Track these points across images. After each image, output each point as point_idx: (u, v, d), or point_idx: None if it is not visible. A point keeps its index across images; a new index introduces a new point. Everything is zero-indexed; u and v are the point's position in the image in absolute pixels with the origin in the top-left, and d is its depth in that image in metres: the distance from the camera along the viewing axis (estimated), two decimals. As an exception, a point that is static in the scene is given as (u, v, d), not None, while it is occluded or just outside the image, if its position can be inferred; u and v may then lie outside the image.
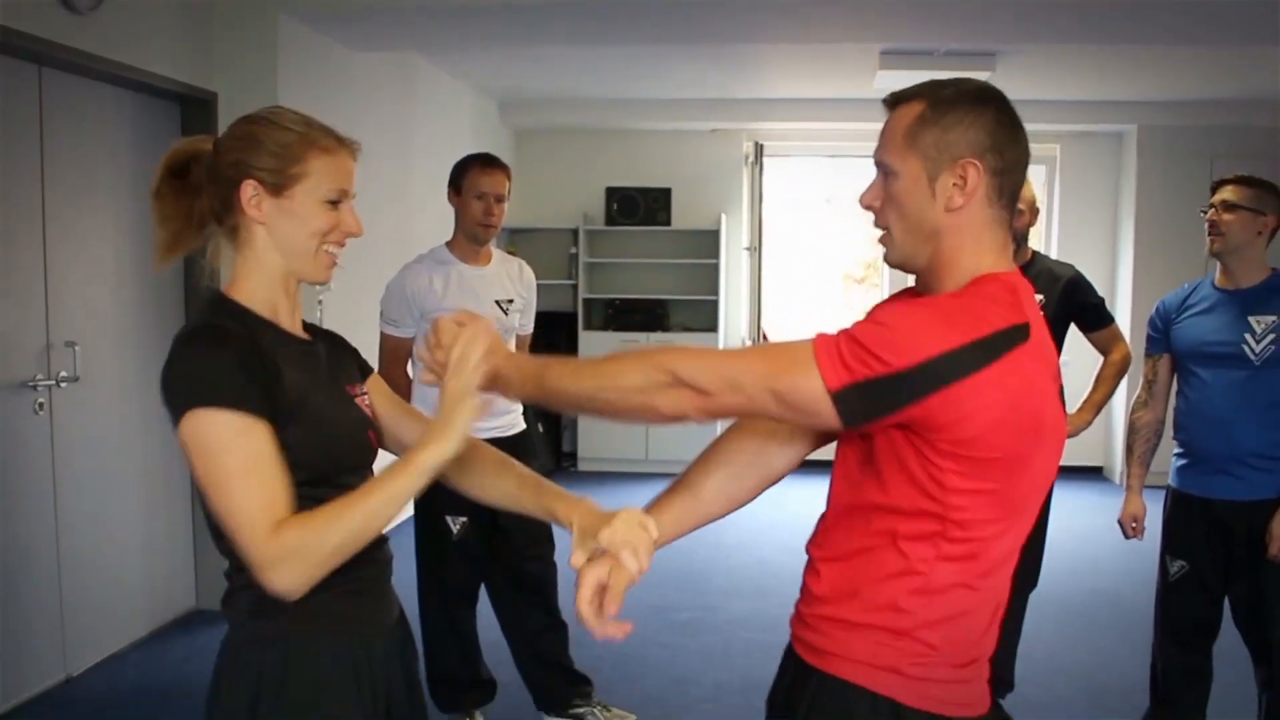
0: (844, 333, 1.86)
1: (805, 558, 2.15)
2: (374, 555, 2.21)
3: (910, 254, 2.04)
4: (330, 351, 2.29)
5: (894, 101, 2.06)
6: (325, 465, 2.09)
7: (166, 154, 2.20)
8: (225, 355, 1.98)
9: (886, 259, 2.11)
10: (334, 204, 2.12)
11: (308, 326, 2.28)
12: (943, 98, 1.98)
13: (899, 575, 1.96)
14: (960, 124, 1.96)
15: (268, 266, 2.13)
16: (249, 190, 2.07)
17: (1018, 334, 1.88)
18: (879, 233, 2.09)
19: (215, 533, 2.11)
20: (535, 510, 2.26)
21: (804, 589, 2.14)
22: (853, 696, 1.99)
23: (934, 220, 1.98)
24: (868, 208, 2.08)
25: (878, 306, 2.04)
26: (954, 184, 1.96)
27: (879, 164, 2.05)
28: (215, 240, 2.20)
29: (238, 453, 1.93)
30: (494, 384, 2.10)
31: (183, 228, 2.20)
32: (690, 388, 1.88)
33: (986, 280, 1.96)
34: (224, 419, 1.92)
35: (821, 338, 1.87)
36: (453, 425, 1.99)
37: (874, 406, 1.83)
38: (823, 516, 2.16)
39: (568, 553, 2.09)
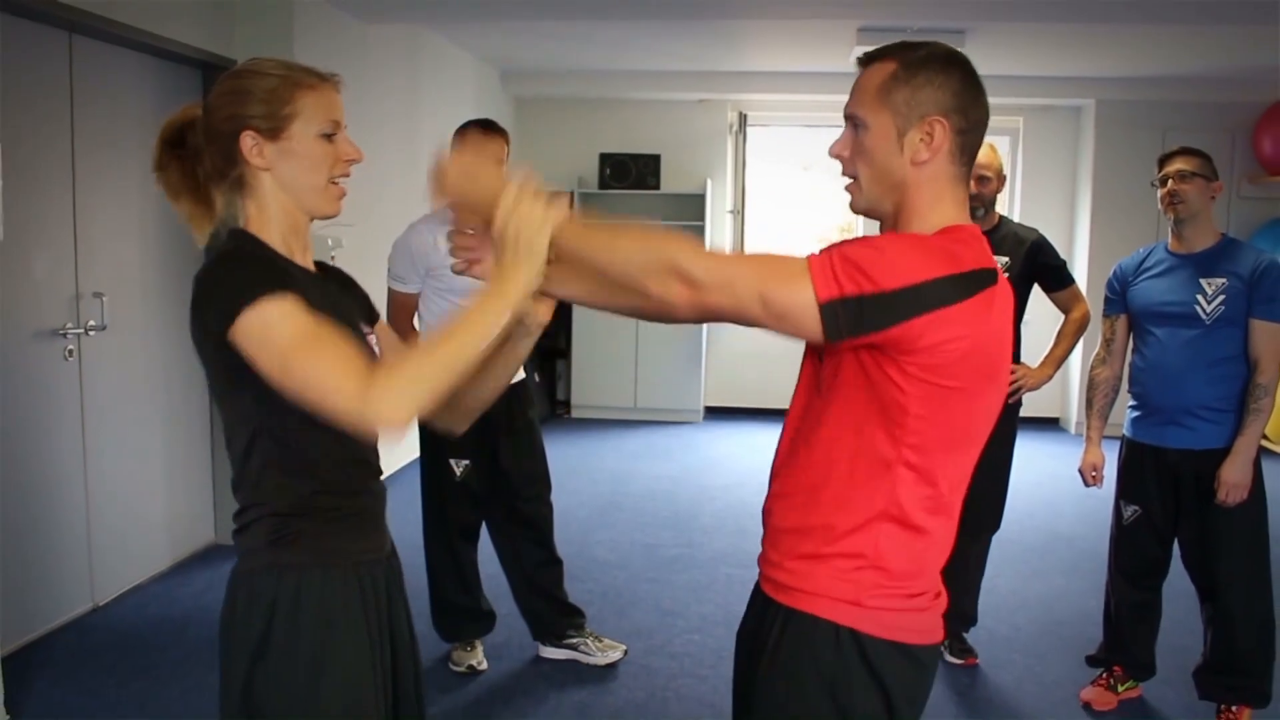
0: (837, 250, 1.84)
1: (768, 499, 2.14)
2: (374, 488, 2.22)
3: (875, 201, 2.04)
4: (340, 290, 2.27)
5: (868, 60, 2.05)
6: None
7: (161, 128, 2.17)
8: (253, 266, 1.98)
9: (852, 206, 2.10)
10: (329, 136, 2.09)
11: (319, 265, 2.26)
12: (915, 59, 1.98)
13: (854, 508, 1.96)
14: (930, 84, 1.96)
15: (277, 210, 2.10)
16: (248, 140, 2.04)
17: (990, 275, 1.89)
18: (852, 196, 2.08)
19: (233, 460, 2.10)
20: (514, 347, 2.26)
21: (765, 528, 2.14)
22: (816, 629, 1.99)
23: (900, 172, 1.98)
24: (837, 157, 2.07)
25: (873, 235, 2.02)
26: (921, 139, 1.96)
27: (850, 116, 2.04)
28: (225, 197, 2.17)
29: (295, 329, 1.88)
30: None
31: (195, 195, 2.17)
32: (683, 278, 1.84)
33: (955, 229, 1.96)
34: (270, 307, 1.89)
35: (814, 255, 1.86)
36: (533, 246, 1.92)
37: (859, 323, 1.81)
38: (778, 452, 2.15)
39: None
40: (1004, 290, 1.93)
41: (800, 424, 2.08)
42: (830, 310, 1.80)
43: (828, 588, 1.98)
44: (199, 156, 2.14)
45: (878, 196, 2.03)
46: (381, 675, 2.16)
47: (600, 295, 2.13)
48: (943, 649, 4.81)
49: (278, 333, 1.88)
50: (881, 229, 2.09)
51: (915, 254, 1.85)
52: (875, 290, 1.79)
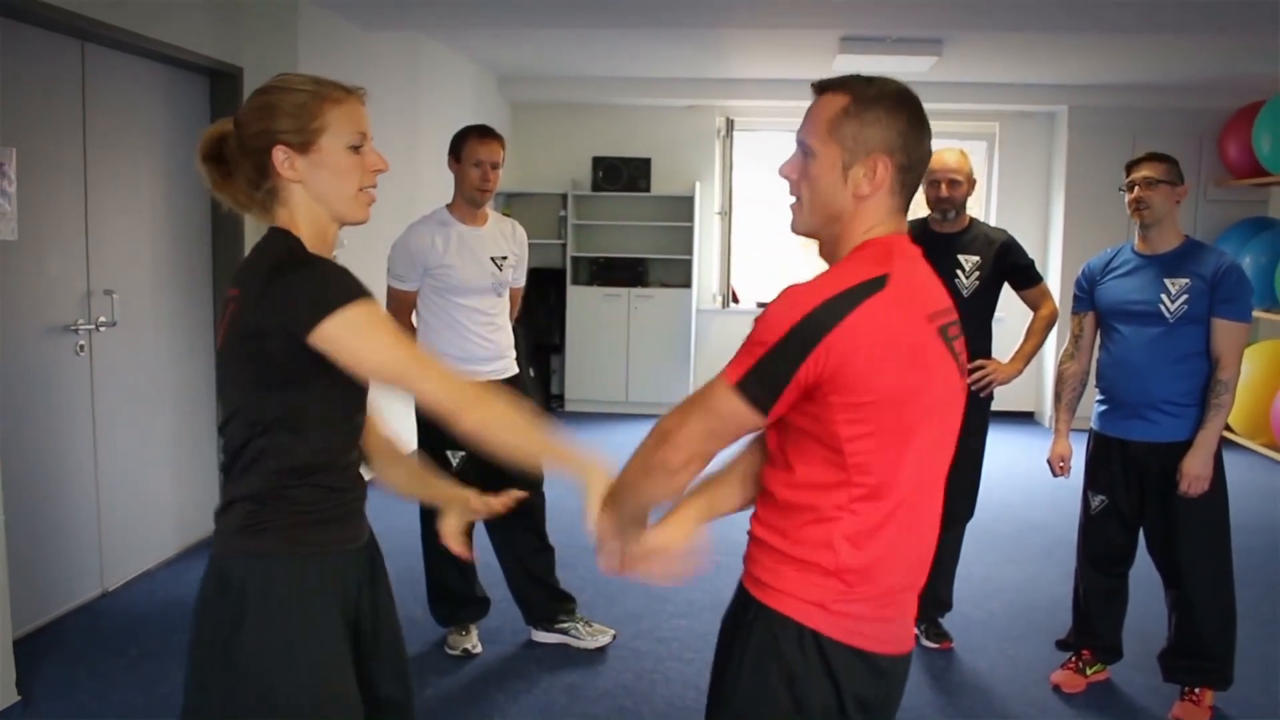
0: (744, 343, 1.93)
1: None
2: (356, 485, 2.24)
3: (815, 227, 2.07)
4: None
5: (822, 89, 2.05)
6: (350, 398, 2.11)
7: (199, 146, 2.18)
8: (329, 266, 2.04)
9: (793, 227, 2.12)
10: (357, 148, 2.11)
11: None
12: (867, 95, 1.99)
13: (818, 523, 1.98)
14: (878, 122, 1.97)
15: (308, 220, 2.12)
16: (280, 155, 2.06)
17: (874, 284, 1.89)
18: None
19: (230, 456, 2.13)
20: (424, 497, 2.58)
21: (751, 524, 2.15)
22: (782, 626, 2.01)
23: (841, 203, 2.00)
24: (785, 177, 2.09)
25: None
26: (864, 174, 1.98)
27: (801, 142, 2.05)
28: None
29: (393, 326, 2.04)
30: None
31: (244, 202, 2.20)
32: (666, 469, 2.03)
33: (867, 245, 2.00)
34: (370, 305, 1.99)
35: (729, 363, 1.94)
36: (592, 477, 2.19)
37: (770, 384, 1.88)
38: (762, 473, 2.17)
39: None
40: (900, 290, 1.92)
41: (775, 435, 2.09)
42: (743, 386, 1.89)
43: (795, 588, 2.00)
44: (233, 169, 2.16)
45: (819, 223, 2.06)
46: (349, 659, 2.16)
47: None
48: (919, 634, 4.84)
49: (379, 328, 2.00)
50: (820, 250, 2.11)
51: (795, 298, 1.88)
52: (765, 350, 1.86)
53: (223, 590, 2.05)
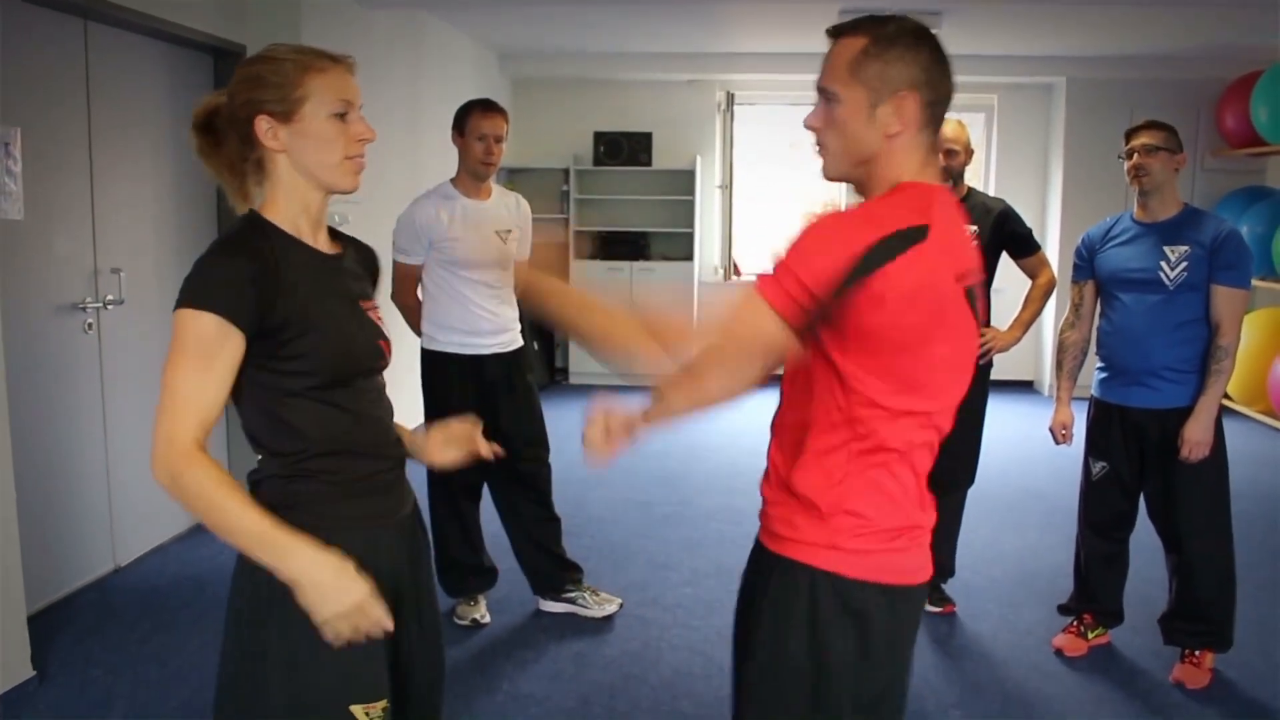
0: (779, 264, 1.88)
1: (766, 460, 2.15)
2: (390, 453, 2.21)
3: (846, 170, 2.04)
4: (355, 262, 2.26)
5: (837, 33, 2.03)
6: (338, 370, 2.07)
7: (192, 117, 2.17)
8: (234, 264, 1.96)
9: (824, 173, 2.09)
10: (341, 116, 2.07)
11: (338, 236, 2.26)
12: (885, 34, 1.96)
13: (829, 460, 1.98)
14: (901, 59, 1.94)
15: (292, 190, 2.10)
16: (263, 124, 2.04)
17: (917, 234, 1.86)
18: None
19: (250, 435, 2.11)
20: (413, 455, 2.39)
21: (762, 483, 2.15)
22: (799, 574, 2.01)
23: (872, 144, 1.97)
24: (811, 128, 2.06)
25: (803, 229, 2.02)
26: (892, 112, 1.95)
27: (823, 90, 2.02)
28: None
29: (199, 350, 1.94)
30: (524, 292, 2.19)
31: (236, 172, 2.17)
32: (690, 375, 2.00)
33: (905, 186, 1.97)
34: (204, 320, 1.92)
35: (760, 278, 1.90)
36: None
37: (810, 315, 1.85)
38: (771, 426, 2.17)
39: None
40: (938, 244, 1.90)
41: (785, 406, 2.10)
42: (787, 315, 1.85)
43: (809, 534, 2.00)
44: (222, 140, 2.14)
45: (849, 166, 2.02)
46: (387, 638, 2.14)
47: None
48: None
49: (181, 341, 1.95)
50: (857, 189, 2.07)
51: (840, 235, 1.86)
52: (812, 283, 1.83)
53: (254, 569, 2.03)
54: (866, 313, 1.84)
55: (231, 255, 1.99)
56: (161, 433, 1.92)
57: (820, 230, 1.88)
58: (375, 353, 2.20)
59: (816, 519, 1.99)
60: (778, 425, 2.12)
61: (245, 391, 2.03)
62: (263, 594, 2.01)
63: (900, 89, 1.94)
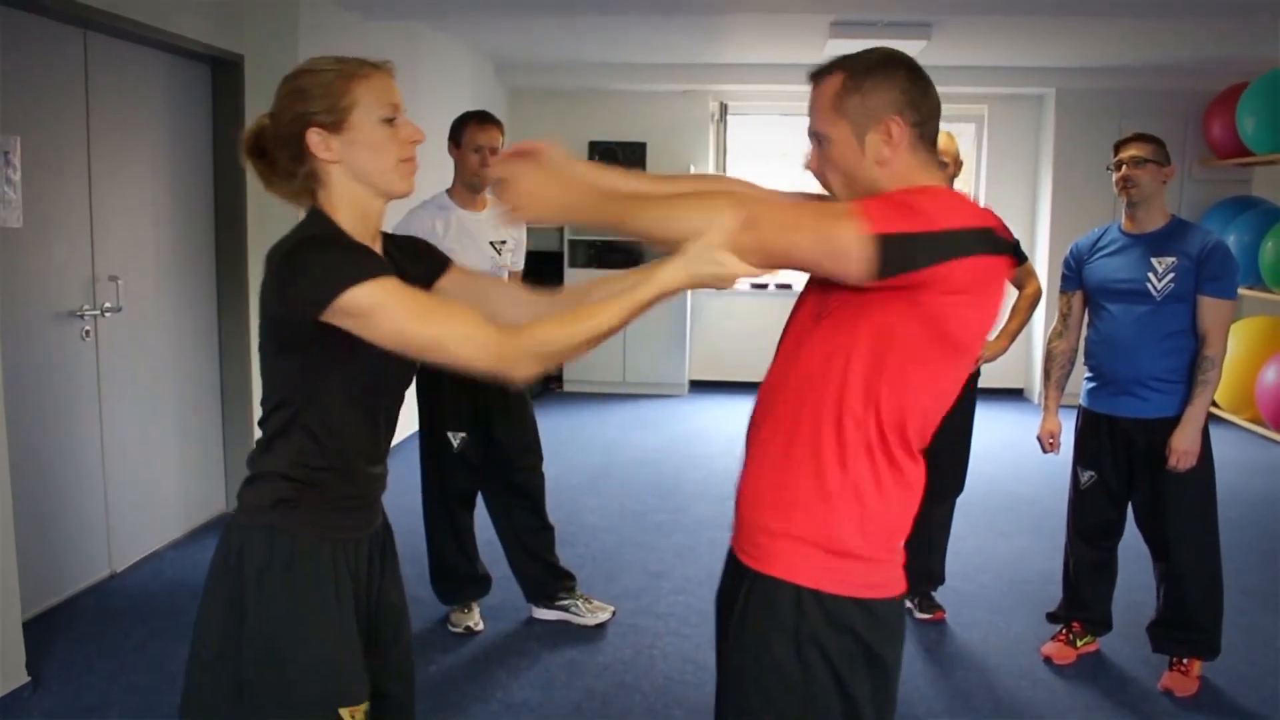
0: (887, 196, 1.89)
1: (742, 472, 2.14)
2: (378, 473, 2.21)
3: None
4: (403, 266, 2.20)
5: (817, 76, 2.06)
6: (382, 380, 2.09)
7: (242, 145, 2.15)
8: (349, 246, 2.00)
9: None
10: (390, 120, 2.07)
11: (385, 237, 2.25)
12: (859, 67, 1.99)
13: (827, 481, 1.96)
14: (877, 88, 1.97)
15: (351, 199, 2.09)
16: (314, 137, 2.02)
17: (1007, 246, 1.91)
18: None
19: (265, 427, 2.10)
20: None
21: (738, 493, 2.14)
22: (779, 591, 2.00)
23: (868, 174, 1.99)
24: (812, 173, 2.09)
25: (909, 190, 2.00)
26: (881, 140, 1.97)
27: (813, 134, 2.05)
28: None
29: (415, 298, 1.95)
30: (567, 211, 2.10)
31: (294, 190, 2.16)
32: (747, 224, 1.86)
33: (940, 189, 1.99)
34: (381, 283, 1.92)
35: (864, 200, 1.88)
36: (701, 257, 1.88)
37: (906, 259, 1.82)
38: (750, 422, 2.15)
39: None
40: (1008, 267, 1.94)
41: (771, 391, 2.08)
42: (885, 246, 1.81)
43: (788, 550, 1.99)
44: (274, 161, 2.13)
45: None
46: (358, 639, 2.14)
47: None
48: (912, 606, 4.84)
49: (393, 305, 1.91)
50: None
51: (957, 204, 1.89)
52: (926, 228, 1.82)
53: (243, 562, 2.03)
54: (952, 296, 1.86)
55: (336, 243, 2.01)
56: (482, 360, 1.93)
57: (935, 193, 1.91)
58: (409, 372, 2.21)
59: (797, 534, 1.98)
60: (760, 439, 2.10)
61: (298, 379, 2.03)
62: (247, 589, 2.02)
63: (883, 116, 1.96)
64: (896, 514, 2.03)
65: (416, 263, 2.28)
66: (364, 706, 2.10)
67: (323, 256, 1.95)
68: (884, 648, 2.03)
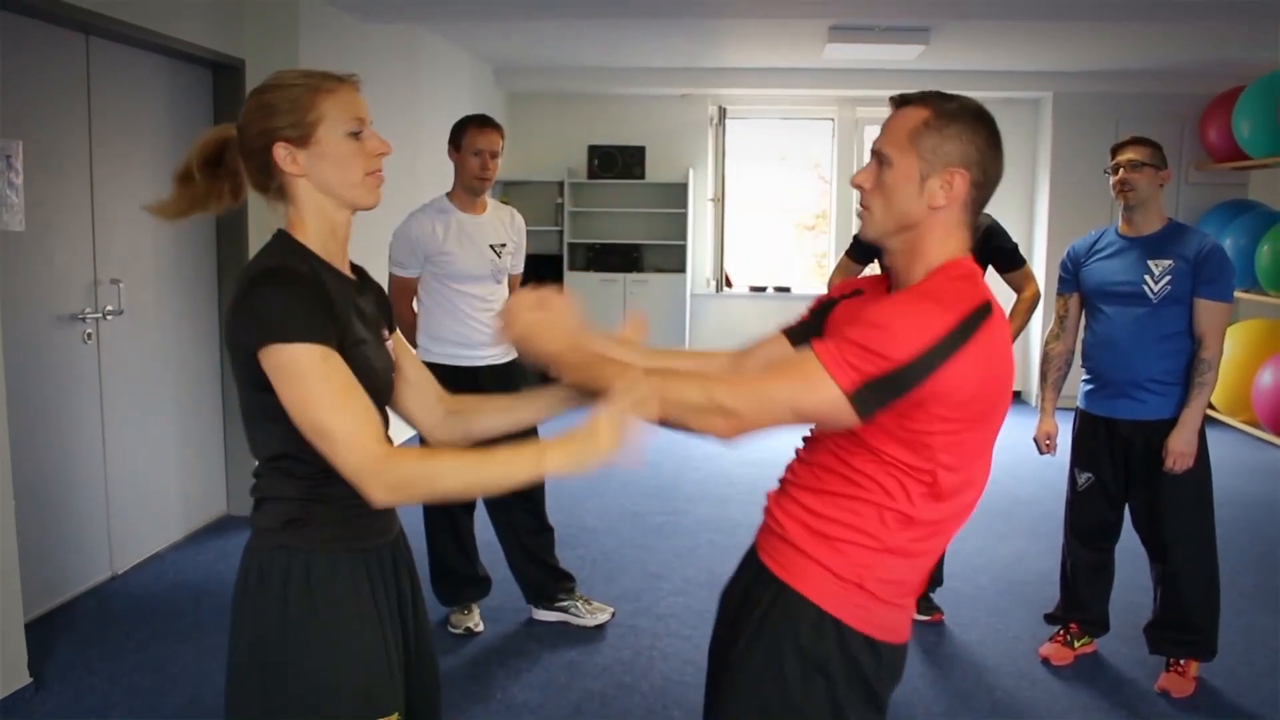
0: (843, 340, 1.88)
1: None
2: None
3: (885, 234, 2.06)
4: (371, 296, 2.24)
5: (901, 102, 2.06)
6: (368, 379, 2.06)
7: (200, 144, 2.13)
8: (301, 293, 1.94)
9: (863, 233, 2.12)
10: (356, 134, 2.06)
11: (355, 269, 2.23)
12: (948, 110, 2.00)
13: (868, 525, 1.99)
14: (959, 137, 1.98)
15: (318, 212, 2.08)
16: (281, 151, 2.01)
17: (985, 310, 1.92)
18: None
19: (253, 447, 2.09)
20: (530, 416, 2.31)
21: (778, 507, 2.14)
22: (804, 610, 2.01)
23: (916, 213, 2.00)
24: (858, 187, 2.09)
25: (867, 306, 2.04)
26: (941, 186, 1.98)
27: (877, 152, 2.05)
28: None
29: (331, 379, 1.89)
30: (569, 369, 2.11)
31: (196, 203, 2.14)
32: (725, 413, 1.89)
33: (951, 265, 2.01)
34: (309, 352, 1.88)
35: (823, 348, 1.89)
36: (594, 444, 1.89)
37: (884, 398, 1.86)
38: (805, 445, 2.17)
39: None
40: (999, 316, 1.96)
41: (826, 438, 2.08)
42: (859, 397, 1.85)
43: (824, 578, 2.01)
44: (233, 175, 2.12)
45: (890, 231, 2.05)
46: (395, 652, 2.13)
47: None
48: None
49: (306, 378, 1.88)
50: (882, 259, 2.11)
51: (918, 318, 1.88)
52: (891, 367, 1.84)
53: (263, 584, 2.02)
54: (954, 391, 1.87)
55: (290, 284, 1.95)
56: (351, 468, 1.87)
57: (890, 314, 1.90)
58: (389, 387, 2.19)
59: (832, 564, 2.01)
60: (808, 459, 2.12)
61: (279, 413, 1.97)
62: (274, 608, 2.01)
63: (953, 164, 1.97)
64: (921, 567, 2.07)
65: (381, 307, 2.28)
66: (395, 716, 2.09)
67: (272, 300, 1.92)
68: (883, 688, 2.07)
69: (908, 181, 1.99)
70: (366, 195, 2.11)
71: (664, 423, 1.99)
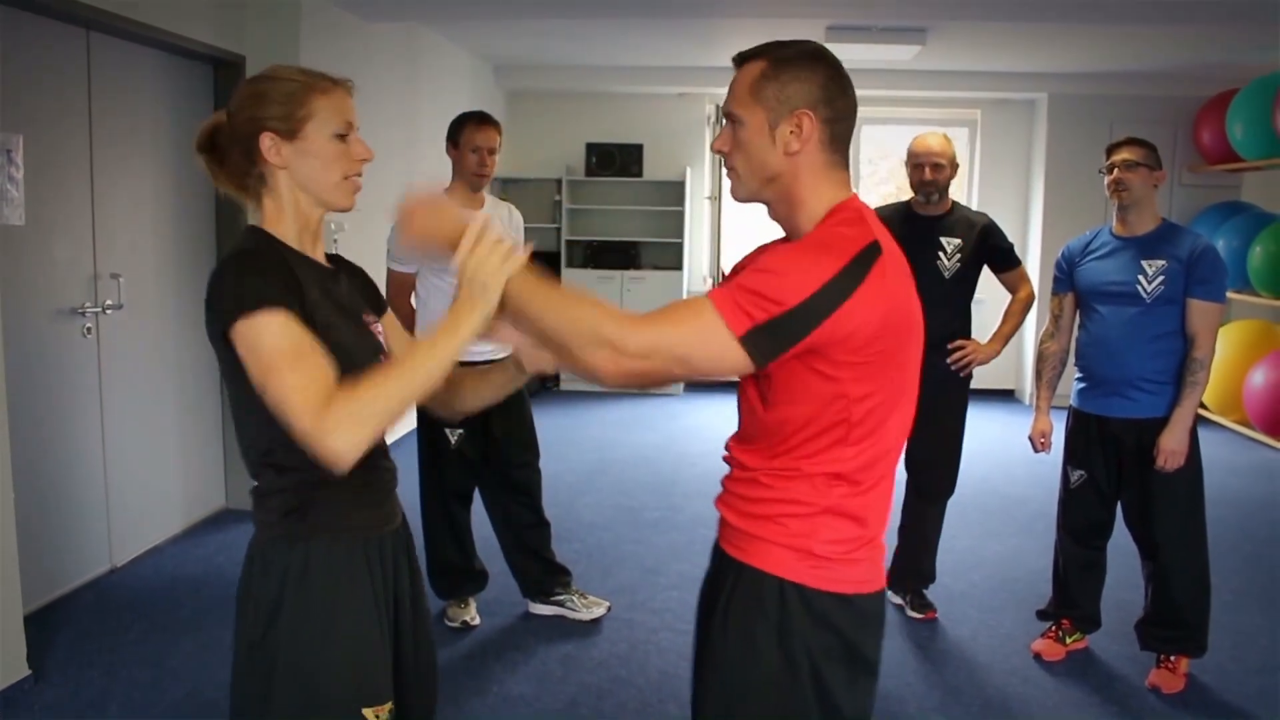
0: (736, 284, 1.85)
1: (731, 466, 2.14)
2: (382, 464, 2.20)
3: (754, 191, 2.05)
4: (350, 282, 2.25)
5: (741, 59, 2.06)
6: (351, 362, 2.06)
7: (195, 138, 2.16)
8: (264, 272, 1.95)
9: (734, 195, 2.11)
10: (342, 136, 2.08)
11: (331, 258, 2.25)
12: (782, 57, 1.99)
13: (800, 476, 1.98)
14: (796, 79, 1.97)
15: (292, 205, 2.10)
16: (267, 141, 2.04)
17: (874, 249, 1.89)
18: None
19: (244, 445, 2.10)
20: (507, 382, 2.40)
21: (725, 490, 2.15)
22: (765, 583, 2.00)
23: (775, 163, 1.99)
24: (719, 152, 2.08)
25: (760, 255, 2.05)
26: (791, 131, 1.97)
27: (728, 114, 2.05)
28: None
29: (285, 343, 1.88)
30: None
31: (242, 187, 2.16)
32: (611, 346, 1.84)
33: (838, 209, 1.98)
34: (270, 318, 1.88)
35: (716, 293, 1.86)
36: (487, 289, 1.89)
37: (777, 343, 1.83)
38: (738, 429, 2.16)
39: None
40: (892, 255, 1.93)
41: (750, 420, 2.08)
42: (750, 341, 1.82)
43: (773, 545, 2.00)
44: (225, 157, 2.14)
45: (756, 187, 2.04)
46: (384, 639, 2.13)
47: (542, 347, 2.10)
48: (904, 604, 4.85)
49: (265, 345, 1.88)
50: (772, 213, 2.09)
51: (808, 262, 1.86)
52: (781, 311, 1.81)
53: (265, 574, 2.03)
54: (852, 336, 1.85)
55: (257, 264, 1.98)
56: (301, 434, 1.84)
57: (782, 259, 1.89)
58: (369, 366, 2.18)
59: (782, 530, 2.00)
60: (743, 431, 2.12)
61: (259, 402, 1.96)
62: (273, 596, 2.02)
63: (797, 107, 1.96)
64: (868, 520, 2.04)
65: (362, 292, 2.29)
66: (388, 706, 2.10)
67: (230, 277, 1.95)
68: (864, 641, 2.04)
69: (759, 134, 1.99)
70: (343, 197, 2.14)
71: (547, 344, 1.98)
